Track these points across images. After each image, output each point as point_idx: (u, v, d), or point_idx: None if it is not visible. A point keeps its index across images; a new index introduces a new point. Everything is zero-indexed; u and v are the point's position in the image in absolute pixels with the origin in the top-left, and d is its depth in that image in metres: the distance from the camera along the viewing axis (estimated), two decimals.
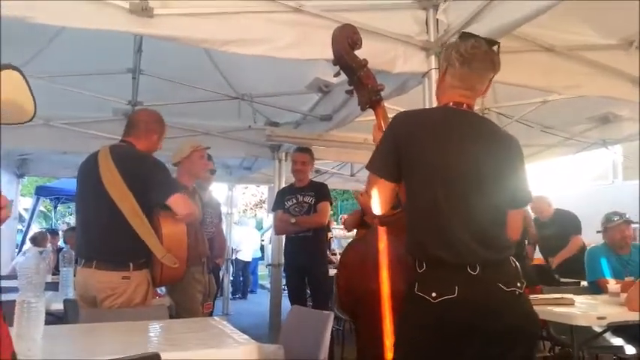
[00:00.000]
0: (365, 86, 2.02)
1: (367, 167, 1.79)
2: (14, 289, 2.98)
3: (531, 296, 3.10)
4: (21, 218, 9.61)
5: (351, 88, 2.10)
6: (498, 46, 1.80)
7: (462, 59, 1.76)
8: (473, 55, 1.76)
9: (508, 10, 2.35)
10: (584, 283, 4.19)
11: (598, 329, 3.01)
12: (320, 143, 4.94)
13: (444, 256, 1.63)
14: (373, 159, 1.78)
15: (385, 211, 1.79)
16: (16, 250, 7.36)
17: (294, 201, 4.60)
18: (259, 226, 15.77)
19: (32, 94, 0.76)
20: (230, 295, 9.25)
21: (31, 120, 0.78)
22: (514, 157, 1.79)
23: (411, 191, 1.76)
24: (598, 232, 4.12)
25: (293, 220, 4.49)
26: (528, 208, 4.98)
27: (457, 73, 1.77)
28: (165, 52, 3.51)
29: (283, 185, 5.52)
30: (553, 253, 5.42)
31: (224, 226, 6.29)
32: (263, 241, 13.52)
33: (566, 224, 5.41)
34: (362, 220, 2.59)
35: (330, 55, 2.15)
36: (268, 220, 14.41)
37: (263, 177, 7.64)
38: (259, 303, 9.38)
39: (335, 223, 11.57)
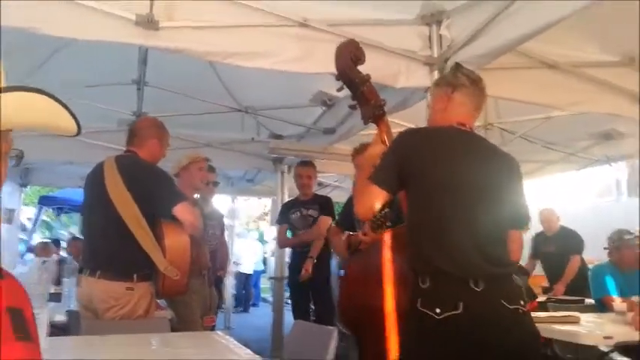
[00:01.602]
0: (368, 101, 2.03)
1: (370, 178, 1.80)
2: None
3: (536, 314, 3.09)
4: (24, 228, 9.62)
5: (354, 102, 2.11)
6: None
7: (471, 80, 1.88)
8: (476, 78, 1.90)
9: (511, 27, 2.36)
10: (588, 301, 4.15)
11: (604, 348, 2.97)
12: (323, 156, 4.95)
13: (448, 268, 1.65)
14: (377, 171, 1.81)
15: (370, 217, 1.88)
16: (18, 260, 7.36)
17: (299, 214, 4.60)
18: (261, 239, 15.73)
19: (69, 111, 0.76)
20: (232, 309, 9.20)
21: (77, 135, 0.79)
22: (514, 177, 1.85)
23: (415, 205, 1.78)
24: (605, 248, 4.09)
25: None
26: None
27: (469, 92, 1.87)
28: (170, 64, 3.54)
29: (286, 198, 5.52)
30: (553, 269, 5.38)
31: (226, 239, 6.28)
32: (266, 253, 13.47)
33: (568, 242, 5.34)
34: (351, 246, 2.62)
35: (333, 69, 2.16)
36: (271, 232, 14.39)
37: (265, 189, 7.63)
38: (261, 316, 9.33)
39: None
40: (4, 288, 0.66)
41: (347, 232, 3.42)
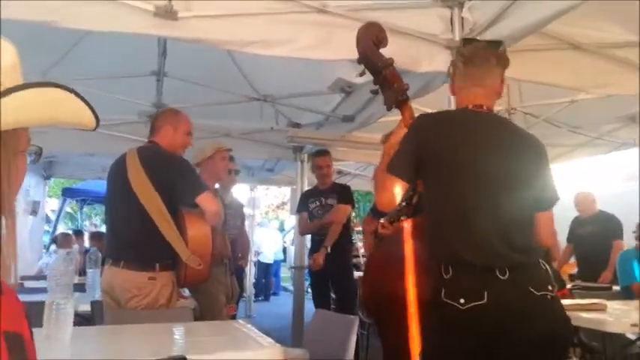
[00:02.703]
0: (391, 85, 1.97)
1: (387, 169, 1.77)
2: (41, 290, 3.02)
3: (562, 301, 3.03)
4: (48, 219, 9.80)
5: (377, 87, 2.06)
6: (503, 46, 1.91)
7: (464, 59, 1.85)
8: (473, 54, 1.85)
9: (534, 8, 2.30)
10: (615, 288, 4.07)
11: (632, 336, 2.92)
12: (342, 144, 4.92)
13: (471, 258, 1.61)
14: (393, 160, 1.78)
15: (390, 208, 1.83)
16: (43, 251, 7.51)
17: (318, 203, 4.60)
18: (281, 228, 15.82)
19: (88, 105, 0.76)
20: (252, 297, 9.28)
21: (95, 129, 0.79)
22: (538, 158, 1.79)
23: (434, 193, 1.75)
24: (634, 232, 3.99)
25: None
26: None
27: (462, 72, 1.84)
28: (189, 55, 3.54)
29: (306, 187, 5.51)
30: (586, 253, 5.21)
31: (247, 228, 6.31)
32: (285, 243, 13.55)
33: (607, 227, 5.13)
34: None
35: (353, 55, 2.11)
36: (290, 221, 14.44)
37: (285, 178, 7.64)
38: (282, 305, 9.39)
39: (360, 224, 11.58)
40: (3, 307, 0.65)
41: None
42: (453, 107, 2.54)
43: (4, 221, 0.70)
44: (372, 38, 1.97)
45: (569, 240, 5.40)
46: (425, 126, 1.79)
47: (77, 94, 0.74)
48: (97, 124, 0.78)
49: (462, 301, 1.56)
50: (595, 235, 5.14)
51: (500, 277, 1.58)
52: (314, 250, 4.72)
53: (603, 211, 5.34)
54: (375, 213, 3.58)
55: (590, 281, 4.70)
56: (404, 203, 1.97)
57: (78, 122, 0.77)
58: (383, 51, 2.00)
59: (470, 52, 1.86)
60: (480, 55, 1.83)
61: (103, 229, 4.98)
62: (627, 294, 3.72)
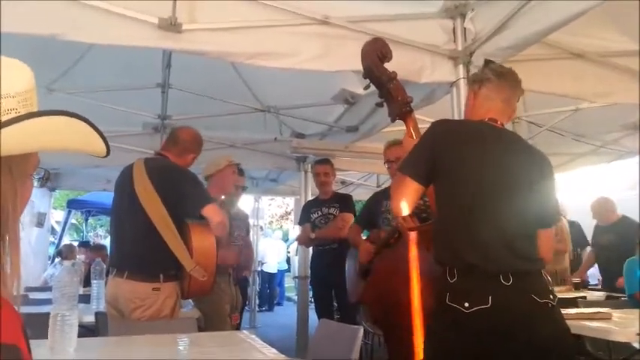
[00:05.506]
0: (395, 98, 2.03)
1: (399, 168, 1.81)
2: (46, 301, 3.03)
3: (566, 310, 3.02)
4: (53, 231, 9.82)
5: (382, 100, 2.11)
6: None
7: (497, 73, 1.88)
8: (504, 72, 1.89)
9: (537, 18, 2.31)
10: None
11: (637, 345, 2.89)
12: (346, 154, 4.93)
13: (477, 262, 1.64)
14: (407, 161, 1.82)
15: (408, 212, 1.82)
16: (48, 262, 7.51)
17: (320, 213, 4.60)
18: (285, 238, 15.79)
19: (100, 134, 0.77)
20: (257, 308, 9.25)
21: (106, 156, 0.80)
22: (545, 174, 1.82)
23: (443, 198, 1.78)
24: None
25: (312, 236, 4.51)
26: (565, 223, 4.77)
27: (494, 85, 1.86)
28: (193, 67, 3.56)
29: (309, 197, 5.52)
30: (607, 263, 5.00)
31: (251, 238, 6.32)
32: (289, 252, 13.52)
33: (629, 234, 4.75)
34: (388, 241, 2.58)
35: (356, 66, 2.15)
36: (294, 231, 14.42)
37: (289, 189, 7.66)
38: (286, 315, 9.36)
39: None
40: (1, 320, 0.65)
41: (374, 231, 3.38)
42: (458, 116, 2.58)
43: (7, 241, 0.70)
44: (376, 53, 2.03)
45: (592, 246, 5.29)
46: (441, 131, 1.82)
47: (90, 123, 0.75)
48: (107, 153, 0.79)
49: (466, 304, 1.58)
50: (617, 245, 4.82)
51: (505, 282, 1.60)
52: (315, 260, 4.71)
53: (626, 216, 5.08)
54: (361, 223, 3.58)
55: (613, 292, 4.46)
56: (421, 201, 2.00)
57: (89, 150, 0.78)
58: (387, 65, 2.04)
59: (501, 68, 1.91)
60: (510, 74, 1.89)
61: (106, 240, 5.01)
62: (633, 303, 3.69)
